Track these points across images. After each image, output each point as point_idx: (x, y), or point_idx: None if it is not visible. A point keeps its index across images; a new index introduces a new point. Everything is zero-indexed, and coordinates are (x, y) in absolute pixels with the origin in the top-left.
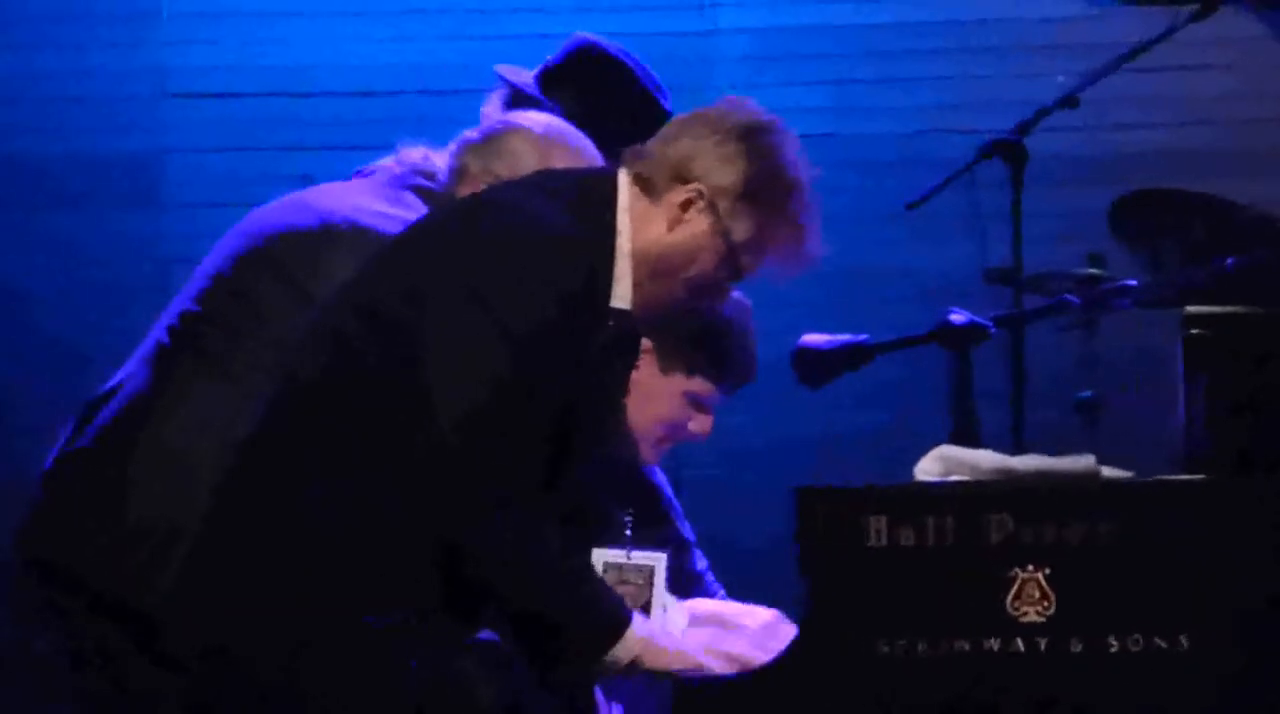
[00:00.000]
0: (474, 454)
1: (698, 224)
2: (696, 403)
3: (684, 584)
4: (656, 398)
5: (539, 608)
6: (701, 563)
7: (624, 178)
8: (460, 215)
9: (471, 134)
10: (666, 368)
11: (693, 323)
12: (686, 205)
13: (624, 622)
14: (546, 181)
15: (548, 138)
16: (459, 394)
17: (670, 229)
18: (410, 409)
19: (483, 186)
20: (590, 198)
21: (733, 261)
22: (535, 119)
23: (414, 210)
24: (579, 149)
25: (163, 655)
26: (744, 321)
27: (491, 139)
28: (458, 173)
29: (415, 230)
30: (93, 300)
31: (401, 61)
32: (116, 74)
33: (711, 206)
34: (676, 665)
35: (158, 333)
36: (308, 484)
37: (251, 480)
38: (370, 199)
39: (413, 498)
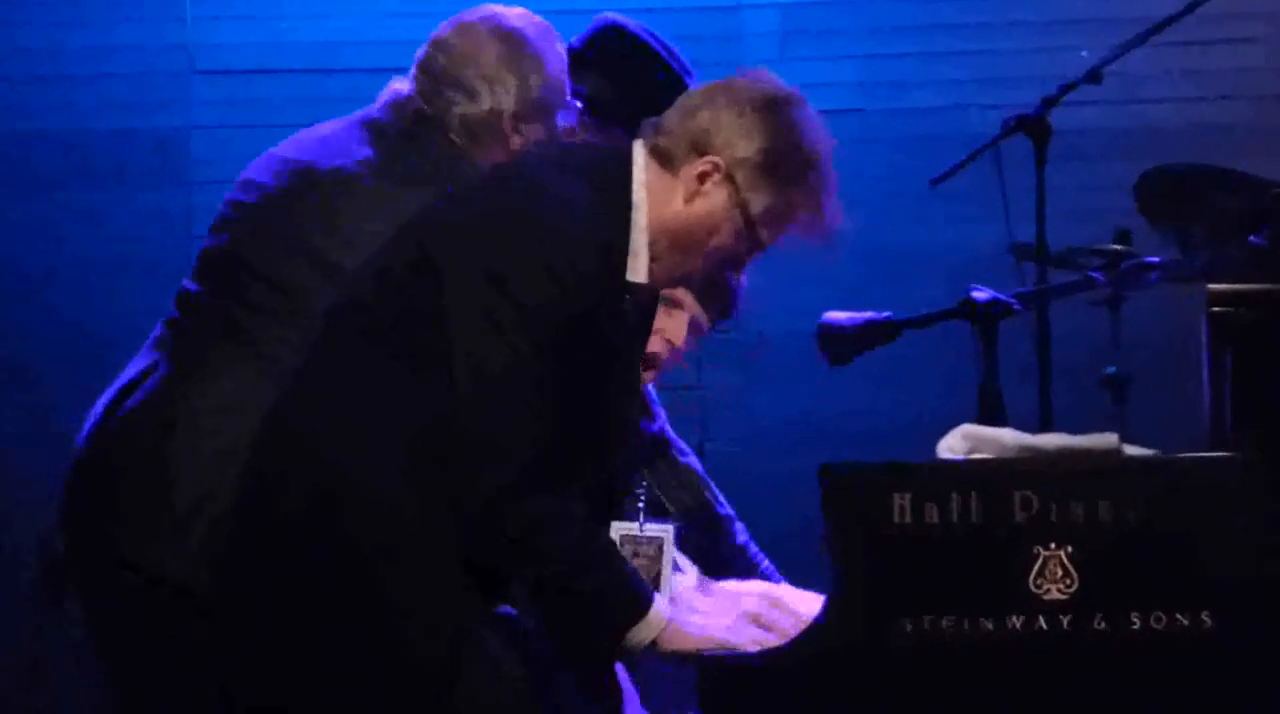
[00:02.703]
0: (495, 431)
1: (716, 196)
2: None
3: (726, 559)
4: None
5: (557, 589)
6: (742, 536)
7: (641, 150)
8: (481, 193)
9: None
10: None
11: None
12: (704, 177)
13: (645, 605)
14: (564, 157)
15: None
16: (479, 374)
17: (688, 202)
18: (435, 385)
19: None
20: (607, 172)
21: (751, 234)
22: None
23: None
24: (534, 42)
25: (210, 633)
26: None
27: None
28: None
29: (439, 205)
30: (119, 277)
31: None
32: (144, 51)
33: (730, 179)
34: (699, 648)
35: (175, 314)
36: (335, 457)
37: (280, 453)
38: (354, 143)
39: (438, 475)
